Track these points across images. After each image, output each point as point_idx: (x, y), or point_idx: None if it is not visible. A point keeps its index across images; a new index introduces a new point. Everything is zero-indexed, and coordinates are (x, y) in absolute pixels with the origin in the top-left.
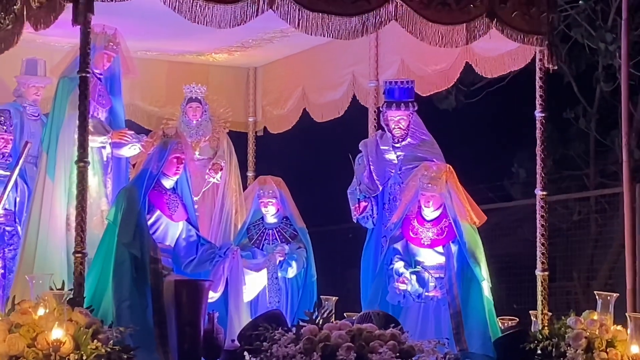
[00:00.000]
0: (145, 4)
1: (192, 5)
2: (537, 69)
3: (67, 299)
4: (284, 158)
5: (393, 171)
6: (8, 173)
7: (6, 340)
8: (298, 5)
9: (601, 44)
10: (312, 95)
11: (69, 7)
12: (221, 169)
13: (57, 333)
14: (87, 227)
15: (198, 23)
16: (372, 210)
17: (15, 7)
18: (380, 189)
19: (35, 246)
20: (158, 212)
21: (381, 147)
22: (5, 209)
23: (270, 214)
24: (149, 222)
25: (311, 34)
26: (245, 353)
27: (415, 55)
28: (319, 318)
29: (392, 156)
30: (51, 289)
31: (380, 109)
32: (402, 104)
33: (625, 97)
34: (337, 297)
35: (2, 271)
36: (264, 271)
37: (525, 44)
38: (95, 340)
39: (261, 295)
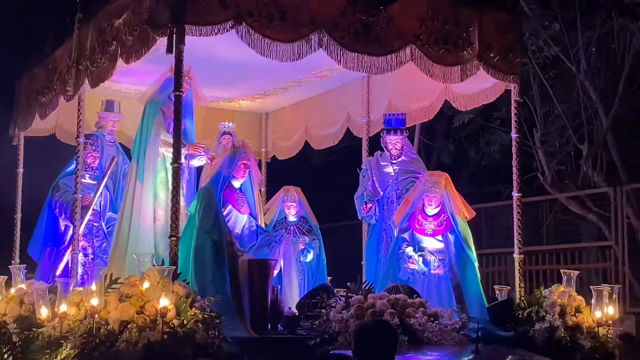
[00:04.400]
0: (214, 54)
1: (262, 43)
2: (513, 101)
3: (169, 273)
4: (287, 178)
5: (391, 181)
6: (95, 182)
7: (118, 308)
8: (340, 46)
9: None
10: (314, 130)
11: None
12: None
13: (164, 301)
14: (168, 220)
15: (265, 57)
16: (375, 210)
17: (110, 47)
18: (381, 194)
19: (127, 237)
20: (230, 207)
21: (381, 163)
22: (94, 209)
23: (292, 214)
24: (224, 214)
25: (350, 69)
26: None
27: (402, 95)
28: (362, 290)
29: (390, 170)
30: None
31: (381, 134)
32: (398, 130)
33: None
34: (330, 277)
35: (92, 257)
36: None
37: (504, 81)
38: (193, 308)
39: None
